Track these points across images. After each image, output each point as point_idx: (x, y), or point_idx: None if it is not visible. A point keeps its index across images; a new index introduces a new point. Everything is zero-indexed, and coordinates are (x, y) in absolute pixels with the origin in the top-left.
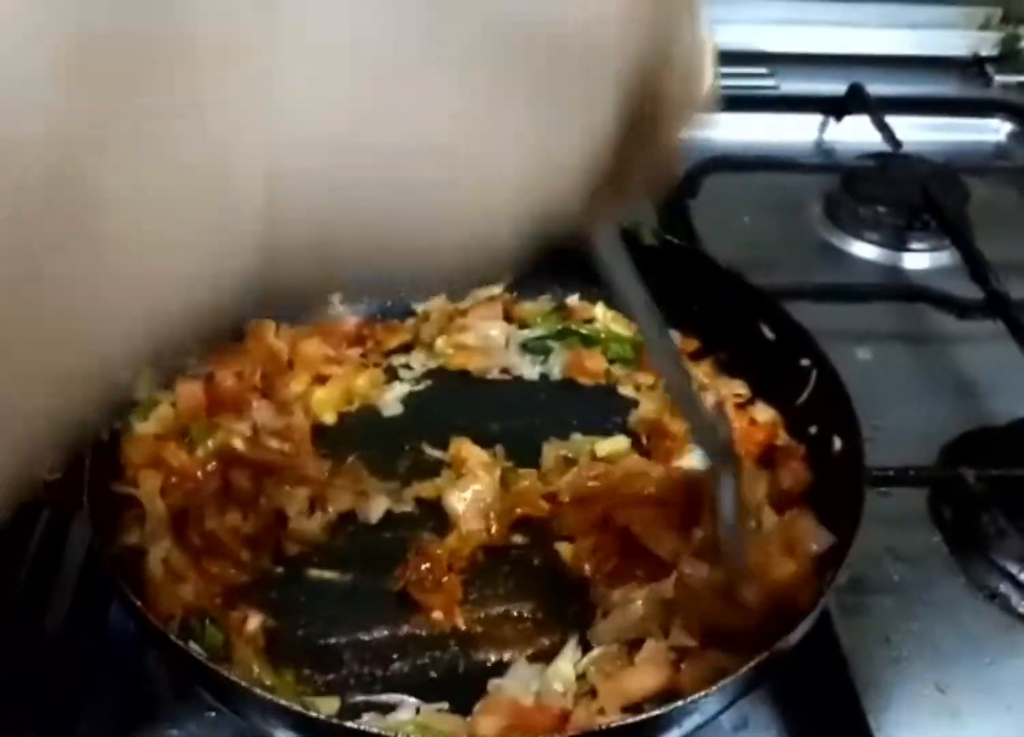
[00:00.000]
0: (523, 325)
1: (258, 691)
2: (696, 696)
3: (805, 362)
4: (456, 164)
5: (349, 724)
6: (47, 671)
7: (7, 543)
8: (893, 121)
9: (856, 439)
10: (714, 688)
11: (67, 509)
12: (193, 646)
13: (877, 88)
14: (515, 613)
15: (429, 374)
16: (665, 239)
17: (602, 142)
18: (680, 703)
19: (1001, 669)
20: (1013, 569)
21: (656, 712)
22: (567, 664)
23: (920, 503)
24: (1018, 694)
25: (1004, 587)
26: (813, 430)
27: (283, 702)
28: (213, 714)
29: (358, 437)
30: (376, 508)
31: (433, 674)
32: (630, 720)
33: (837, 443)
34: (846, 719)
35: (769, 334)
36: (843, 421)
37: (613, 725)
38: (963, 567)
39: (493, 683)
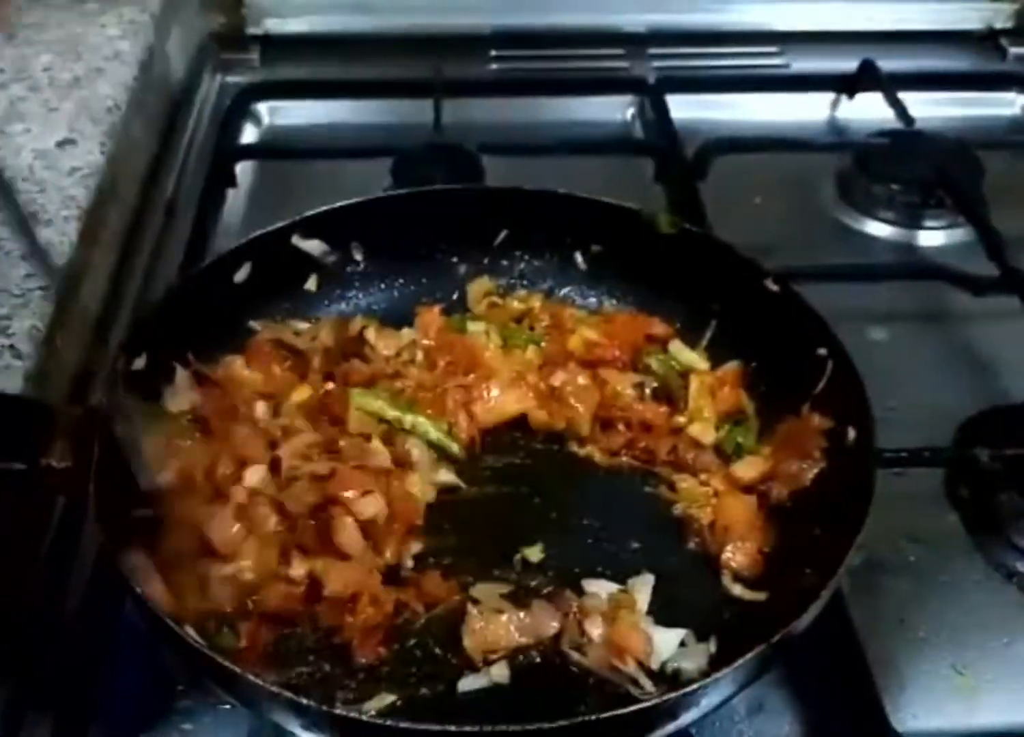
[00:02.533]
0: None
1: (252, 678)
2: (705, 681)
3: (822, 351)
4: None
5: (353, 715)
6: (63, 663)
7: (24, 533)
8: (907, 97)
9: (869, 429)
10: (720, 674)
11: (77, 496)
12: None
13: (890, 64)
14: None
15: None
16: (683, 227)
17: None
18: (689, 689)
19: (1019, 649)
20: None
21: (663, 698)
22: None
23: (937, 483)
24: None
25: (1021, 567)
26: (829, 422)
27: (275, 689)
28: (227, 707)
29: None
30: None
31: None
32: (638, 706)
33: (851, 433)
34: (861, 701)
35: (786, 321)
36: (857, 411)
37: (625, 711)
38: (980, 547)
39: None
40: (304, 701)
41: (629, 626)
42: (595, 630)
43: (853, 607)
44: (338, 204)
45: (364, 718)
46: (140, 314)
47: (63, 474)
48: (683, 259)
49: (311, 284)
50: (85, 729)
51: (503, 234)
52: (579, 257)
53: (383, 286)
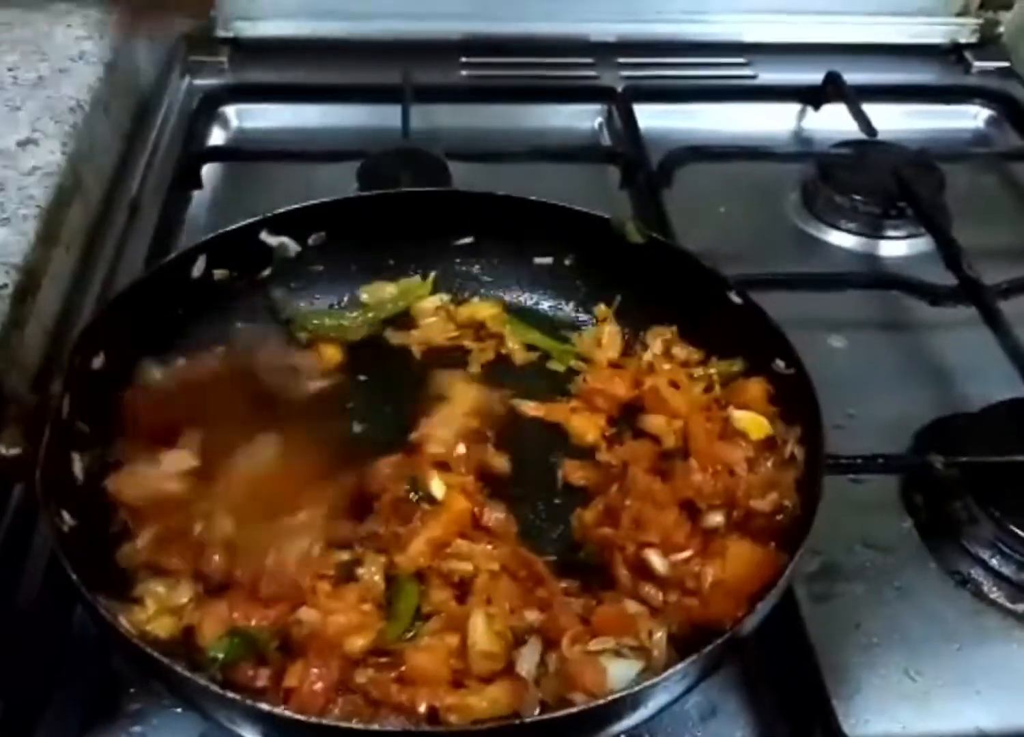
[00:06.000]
0: None
1: (203, 682)
2: (633, 690)
3: (780, 363)
4: None
5: (300, 716)
6: (11, 663)
7: None
8: (873, 110)
9: (819, 437)
10: (650, 683)
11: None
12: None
13: (856, 77)
14: None
15: None
16: (651, 237)
17: None
18: (615, 696)
19: (971, 655)
20: (984, 555)
21: (590, 705)
22: None
23: (892, 490)
24: (988, 679)
25: (975, 573)
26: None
27: (231, 695)
28: (178, 710)
29: None
30: None
31: None
32: (566, 712)
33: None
34: (813, 706)
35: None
36: (808, 419)
37: (566, 713)
38: (934, 553)
39: None
40: (230, 695)
41: (584, 659)
42: (552, 664)
43: (807, 612)
44: (307, 203)
45: (311, 721)
46: (97, 311)
47: (14, 461)
48: (650, 267)
49: (271, 283)
50: (32, 730)
51: (468, 239)
52: (539, 262)
53: (346, 285)
